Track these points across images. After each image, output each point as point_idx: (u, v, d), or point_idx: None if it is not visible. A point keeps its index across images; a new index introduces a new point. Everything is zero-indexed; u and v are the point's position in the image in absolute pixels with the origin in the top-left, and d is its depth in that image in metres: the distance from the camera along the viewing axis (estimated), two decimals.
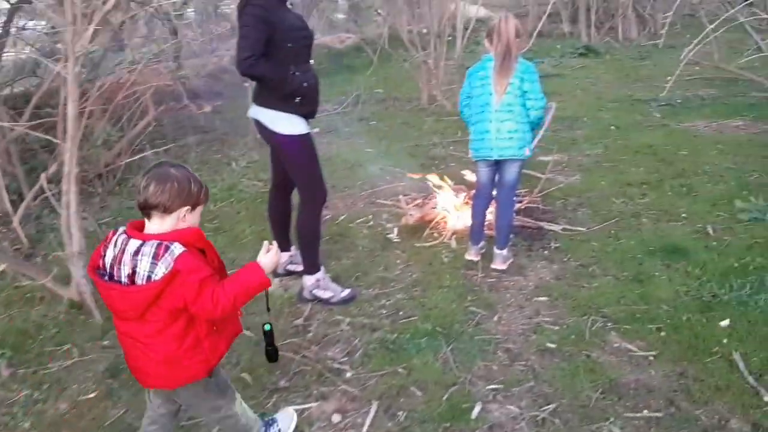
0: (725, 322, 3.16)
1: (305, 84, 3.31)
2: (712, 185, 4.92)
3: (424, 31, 8.26)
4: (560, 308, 3.41)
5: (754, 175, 5.03)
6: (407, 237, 4.35)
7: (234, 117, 7.52)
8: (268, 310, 2.39)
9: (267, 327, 2.38)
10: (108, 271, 1.97)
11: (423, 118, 7.53)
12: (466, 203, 4.54)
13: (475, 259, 3.94)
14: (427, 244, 4.23)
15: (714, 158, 5.52)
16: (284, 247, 3.79)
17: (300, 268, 3.70)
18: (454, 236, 4.29)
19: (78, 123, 3.72)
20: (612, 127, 6.66)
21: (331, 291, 3.58)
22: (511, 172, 3.71)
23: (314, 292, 3.59)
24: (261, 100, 3.41)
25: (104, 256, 1.98)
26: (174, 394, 2.19)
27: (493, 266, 3.85)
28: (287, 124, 3.35)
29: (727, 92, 7.74)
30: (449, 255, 4.08)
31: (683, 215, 4.42)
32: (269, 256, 2.11)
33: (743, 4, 7.19)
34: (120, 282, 1.93)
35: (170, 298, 1.90)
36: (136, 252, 1.91)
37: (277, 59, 3.24)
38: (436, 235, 4.35)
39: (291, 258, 3.87)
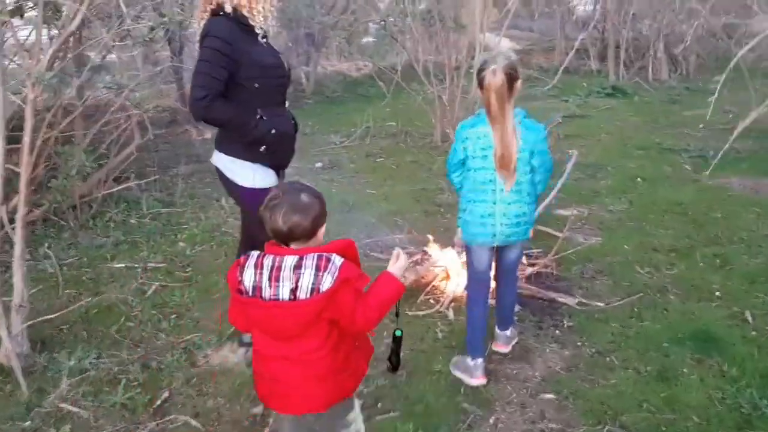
0: None
1: (273, 131, 2.84)
2: (749, 257, 4.35)
3: (444, 62, 7.78)
4: (570, 411, 2.86)
5: None
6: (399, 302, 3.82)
7: None
8: (397, 315, 2.23)
9: (398, 333, 2.27)
10: (252, 293, 1.93)
11: (434, 156, 7.02)
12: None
13: (476, 383, 3.03)
14: (421, 313, 3.71)
15: (751, 223, 4.95)
16: None
17: None
18: (452, 304, 3.77)
19: (29, 158, 3.28)
20: (638, 179, 6.10)
21: None
22: (514, 253, 3.12)
23: None
24: (222, 145, 2.95)
25: (242, 280, 1.95)
26: (316, 421, 2.12)
27: (494, 348, 3.31)
28: (249, 174, 2.88)
29: (764, 146, 7.14)
30: (444, 329, 3.55)
31: (717, 294, 3.86)
32: (399, 263, 2.12)
33: None
34: (278, 300, 1.90)
35: (333, 308, 1.90)
36: (297, 266, 1.89)
37: (241, 100, 2.78)
38: (432, 301, 3.83)
39: None
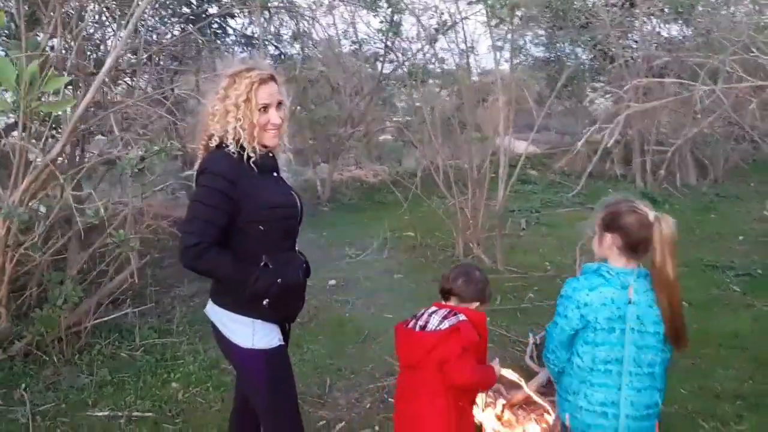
0: None
1: (279, 281, 2.36)
2: None
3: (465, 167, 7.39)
4: None
5: None
6: None
7: None
8: None
9: None
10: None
11: None
12: (504, 417, 3.47)
13: None
14: None
15: None
16: None
17: None
18: None
19: None
20: (685, 304, 5.52)
21: None
22: None
23: None
24: (217, 295, 2.47)
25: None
26: None
27: None
28: (248, 332, 2.38)
29: None
30: None
31: None
32: (498, 367, 2.66)
33: None
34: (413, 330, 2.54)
35: (441, 351, 2.38)
36: (432, 313, 2.53)
37: (242, 247, 2.33)
38: None
39: None
